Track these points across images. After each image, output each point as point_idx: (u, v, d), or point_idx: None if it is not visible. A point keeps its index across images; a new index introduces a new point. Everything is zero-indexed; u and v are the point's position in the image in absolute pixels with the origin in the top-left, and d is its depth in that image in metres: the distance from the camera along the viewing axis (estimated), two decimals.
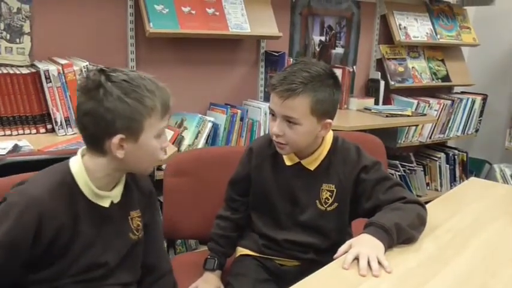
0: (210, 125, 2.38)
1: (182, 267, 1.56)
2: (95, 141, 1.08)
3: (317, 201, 1.43)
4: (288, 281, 1.42)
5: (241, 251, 1.53)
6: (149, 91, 1.07)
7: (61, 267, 1.08)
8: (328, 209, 1.43)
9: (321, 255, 1.42)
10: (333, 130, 1.46)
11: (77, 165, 1.10)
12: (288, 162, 1.45)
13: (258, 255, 1.50)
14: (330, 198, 1.43)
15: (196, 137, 2.36)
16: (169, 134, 2.29)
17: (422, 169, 3.36)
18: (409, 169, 3.26)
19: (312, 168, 1.43)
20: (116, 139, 1.05)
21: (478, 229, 1.38)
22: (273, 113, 1.36)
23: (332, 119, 1.39)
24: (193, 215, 1.69)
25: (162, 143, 1.13)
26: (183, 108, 2.50)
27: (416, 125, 3.13)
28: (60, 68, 1.94)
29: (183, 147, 2.31)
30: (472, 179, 1.83)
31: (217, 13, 2.40)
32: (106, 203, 1.13)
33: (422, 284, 1.07)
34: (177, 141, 2.32)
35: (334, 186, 1.42)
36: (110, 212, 1.14)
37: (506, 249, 1.28)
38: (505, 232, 1.38)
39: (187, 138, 2.34)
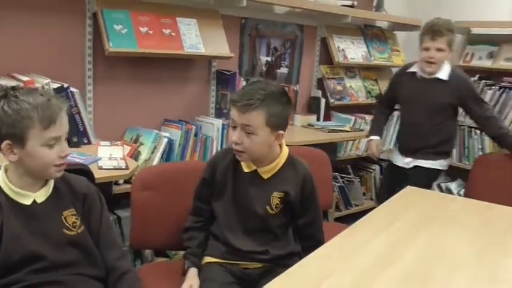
0: (165, 140, 2.48)
1: (149, 276, 1.67)
2: None
3: (267, 206, 1.63)
4: (252, 283, 1.59)
5: (207, 259, 1.66)
6: (29, 104, 1.25)
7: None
8: (276, 211, 1.64)
9: (277, 255, 1.62)
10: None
11: None
12: (246, 169, 1.64)
13: (222, 261, 1.64)
14: (279, 203, 1.64)
15: (152, 152, 2.44)
16: (126, 149, 2.37)
17: (359, 180, 3.62)
18: (347, 180, 3.52)
19: (265, 177, 1.64)
20: (3, 144, 1.26)
21: (418, 231, 1.59)
22: (233, 125, 1.56)
23: (284, 130, 1.61)
24: (160, 226, 1.79)
25: (59, 152, 1.31)
26: (138, 123, 2.58)
27: (355, 140, 3.39)
28: (22, 85, 1.98)
29: (140, 162, 2.39)
30: (409, 187, 2.07)
31: (173, 34, 2.51)
32: (27, 201, 1.32)
33: (376, 276, 1.26)
34: (134, 156, 2.40)
35: (283, 194, 1.63)
36: (34, 210, 1.32)
37: (442, 248, 1.50)
38: (440, 234, 1.61)
39: (144, 153, 2.42)
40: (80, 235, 1.38)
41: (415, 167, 2.69)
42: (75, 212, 1.39)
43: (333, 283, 1.21)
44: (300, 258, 1.62)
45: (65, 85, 2.13)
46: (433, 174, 2.73)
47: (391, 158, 2.95)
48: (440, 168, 2.72)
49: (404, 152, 2.76)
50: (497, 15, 3.60)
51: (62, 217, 1.36)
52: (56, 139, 1.30)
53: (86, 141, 2.25)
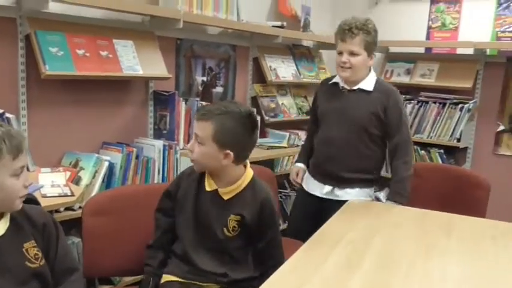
0: (106, 164, 2.42)
1: None
2: None
3: (224, 228, 1.63)
4: None
5: (166, 277, 1.66)
6: None
7: None
8: (234, 234, 1.65)
9: (236, 279, 1.64)
10: None
11: None
12: (207, 188, 1.65)
13: (182, 280, 1.64)
14: (236, 226, 1.65)
15: (93, 177, 2.38)
16: (66, 174, 2.29)
17: (295, 194, 3.72)
18: (284, 195, 3.62)
19: (225, 198, 1.64)
20: None
21: (370, 240, 1.70)
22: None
23: (233, 152, 1.59)
24: (113, 252, 1.76)
25: (25, 181, 1.31)
26: (76, 147, 2.50)
27: (291, 155, 3.50)
28: None
29: (82, 188, 2.32)
30: (351, 201, 2.18)
31: (111, 56, 2.48)
32: None
33: (344, 286, 1.33)
34: (74, 181, 2.32)
35: (240, 217, 1.64)
36: None
37: (394, 253, 1.61)
38: (390, 241, 1.73)
39: (85, 178, 2.35)
40: (42, 267, 1.35)
41: (335, 200, 2.31)
42: (35, 244, 1.36)
43: None
44: (260, 282, 1.64)
45: (0, 111, 2.03)
46: None
47: (304, 185, 2.54)
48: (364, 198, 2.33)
49: (319, 177, 2.42)
50: (415, 35, 3.92)
51: (23, 249, 1.33)
52: (22, 168, 1.28)
53: None
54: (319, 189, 2.40)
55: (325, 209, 2.25)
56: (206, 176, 1.68)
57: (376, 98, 2.24)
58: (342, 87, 2.32)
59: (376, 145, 2.30)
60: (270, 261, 1.67)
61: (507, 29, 3.64)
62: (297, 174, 2.56)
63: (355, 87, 2.28)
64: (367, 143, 2.27)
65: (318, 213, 2.28)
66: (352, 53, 2.19)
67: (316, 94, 2.52)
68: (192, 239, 1.65)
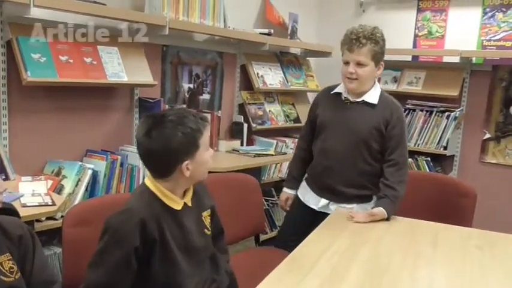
0: (90, 172, 2.38)
1: None
2: None
3: (205, 230, 1.59)
4: None
5: None
6: None
7: None
8: (211, 229, 1.63)
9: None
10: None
11: None
12: (178, 207, 1.49)
13: None
14: (210, 221, 1.63)
15: (76, 185, 2.33)
16: (48, 183, 2.24)
17: None
18: (271, 203, 3.59)
19: (190, 204, 1.55)
20: None
21: (357, 250, 1.68)
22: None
23: None
24: None
25: None
26: (59, 155, 2.46)
27: (278, 163, 3.48)
28: None
29: (64, 196, 2.27)
30: (337, 210, 2.16)
31: (95, 62, 2.44)
32: None
33: None
34: (57, 190, 2.28)
35: (209, 211, 1.64)
36: None
37: (381, 263, 1.59)
38: (376, 250, 1.71)
39: (68, 186, 2.30)
40: (18, 281, 1.31)
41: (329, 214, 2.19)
42: (11, 257, 1.31)
43: None
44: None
45: None
46: None
47: (300, 195, 2.42)
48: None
49: (316, 189, 2.32)
50: (402, 43, 3.93)
51: None
52: None
53: (3, 177, 2.10)
54: (315, 202, 2.31)
55: (319, 222, 2.08)
56: (168, 201, 1.49)
57: (380, 112, 2.16)
58: (345, 98, 2.22)
59: (376, 160, 2.20)
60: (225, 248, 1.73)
61: (492, 38, 3.67)
62: (286, 202, 2.48)
63: (359, 99, 2.19)
64: (366, 158, 2.18)
65: (311, 225, 2.08)
66: (359, 64, 2.10)
67: (314, 102, 2.40)
68: (185, 268, 1.49)
